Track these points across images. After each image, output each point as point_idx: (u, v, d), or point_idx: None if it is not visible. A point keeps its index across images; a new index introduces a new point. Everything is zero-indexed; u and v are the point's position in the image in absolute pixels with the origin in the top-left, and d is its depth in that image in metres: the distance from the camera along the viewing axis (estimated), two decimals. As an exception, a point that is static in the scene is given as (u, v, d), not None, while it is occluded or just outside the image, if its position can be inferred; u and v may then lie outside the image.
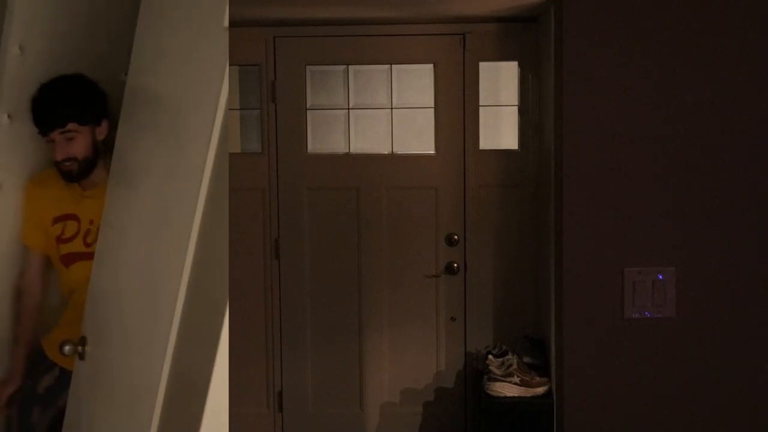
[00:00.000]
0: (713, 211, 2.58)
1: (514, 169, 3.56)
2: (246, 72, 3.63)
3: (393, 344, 3.66)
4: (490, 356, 3.21)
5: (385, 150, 3.63)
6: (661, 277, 2.59)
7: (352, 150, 3.64)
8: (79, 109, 2.36)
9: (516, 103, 3.57)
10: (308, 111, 3.62)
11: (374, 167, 3.61)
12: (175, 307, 1.80)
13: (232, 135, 3.58)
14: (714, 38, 2.54)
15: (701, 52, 2.55)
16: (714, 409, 2.62)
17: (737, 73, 2.55)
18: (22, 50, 2.39)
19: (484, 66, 3.55)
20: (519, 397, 3.05)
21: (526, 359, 3.22)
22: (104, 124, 2.43)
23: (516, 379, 3.06)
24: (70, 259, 2.44)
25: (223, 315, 1.69)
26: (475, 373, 3.51)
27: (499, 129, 3.61)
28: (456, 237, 3.60)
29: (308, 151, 3.63)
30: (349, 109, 3.63)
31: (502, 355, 3.21)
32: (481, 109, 3.56)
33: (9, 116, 2.44)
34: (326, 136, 3.65)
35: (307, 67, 3.60)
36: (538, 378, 3.09)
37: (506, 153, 3.57)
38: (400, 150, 3.63)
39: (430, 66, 3.56)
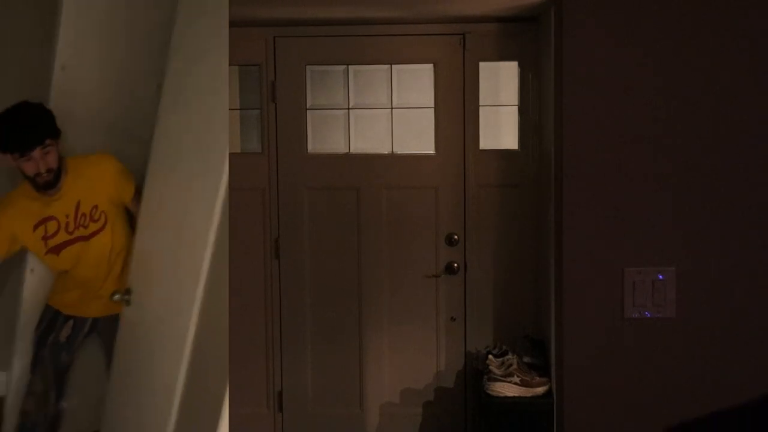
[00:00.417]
0: (713, 211, 2.58)
1: (514, 169, 3.56)
2: (246, 72, 3.63)
3: (393, 344, 3.66)
4: (490, 356, 3.21)
5: (385, 150, 3.63)
6: (661, 277, 2.59)
7: (352, 150, 3.64)
8: (49, 126, 2.79)
9: (516, 103, 3.57)
10: (308, 111, 3.62)
11: (374, 167, 3.61)
12: (202, 264, 2.21)
13: (232, 135, 3.58)
14: (714, 38, 2.54)
15: (701, 52, 2.55)
16: (714, 409, 2.62)
17: (737, 73, 2.55)
18: (63, 68, 2.94)
19: (484, 66, 3.54)
20: (519, 397, 3.05)
21: (526, 359, 3.22)
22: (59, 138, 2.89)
23: (516, 379, 3.06)
24: (59, 248, 2.96)
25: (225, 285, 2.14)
26: (475, 373, 3.51)
27: (499, 129, 3.61)
28: (456, 237, 3.59)
29: (308, 151, 3.63)
30: (349, 109, 3.63)
31: (502, 355, 3.21)
32: (481, 109, 3.56)
33: None
34: (326, 136, 3.65)
35: (307, 67, 3.60)
36: (538, 378, 3.09)
37: (506, 153, 3.57)
38: (400, 150, 3.63)
39: (430, 66, 3.56)
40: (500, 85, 3.57)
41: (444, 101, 3.56)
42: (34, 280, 3.14)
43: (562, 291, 2.65)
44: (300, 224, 3.63)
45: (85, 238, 2.97)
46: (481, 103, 3.56)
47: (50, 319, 3.11)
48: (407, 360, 3.66)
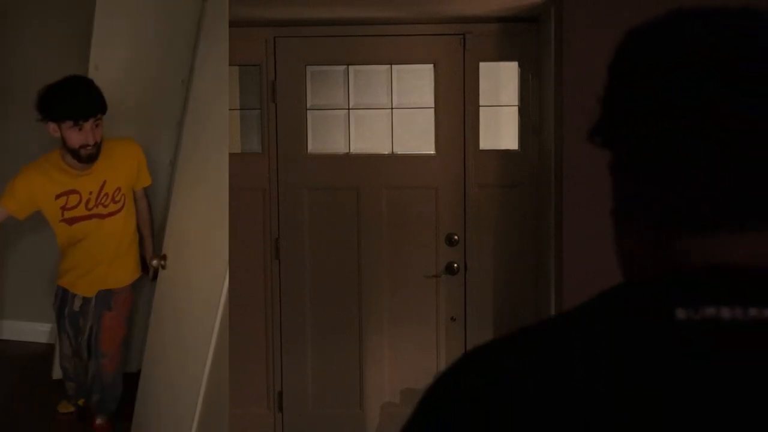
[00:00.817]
0: (713, 211, 2.58)
1: (514, 169, 3.56)
2: (246, 72, 3.63)
3: (393, 344, 3.66)
4: (490, 356, 3.21)
5: (385, 150, 3.63)
6: (661, 277, 2.59)
7: (352, 150, 3.64)
8: (102, 100, 2.83)
9: (516, 103, 3.57)
10: (308, 111, 3.62)
11: (374, 167, 3.61)
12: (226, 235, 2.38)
13: (232, 135, 3.58)
14: (714, 38, 2.54)
15: (701, 52, 2.55)
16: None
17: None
18: (97, 68, 3.15)
19: (484, 66, 3.54)
20: (519, 397, 3.05)
21: (526, 359, 3.22)
22: None
23: (516, 379, 3.06)
24: (74, 221, 3.06)
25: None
26: (475, 373, 3.50)
27: (499, 129, 3.61)
28: (456, 237, 3.59)
29: (308, 151, 3.63)
30: (349, 109, 3.63)
31: (502, 355, 3.21)
32: (481, 109, 3.56)
33: None
34: (326, 136, 3.65)
35: (307, 67, 3.60)
36: (538, 378, 3.08)
37: (506, 153, 3.57)
38: (400, 150, 3.63)
39: (430, 66, 3.56)
40: (500, 85, 3.58)
41: (444, 101, 3.56)
42: None
43: (562, 291, 2.65)
44: (300, 224, 3.64)
45: (102, 217, 3.06)
46: (481, 104, 3.56)
47: (61, 297, 3.25)
48: (407, 360, 3.66)
